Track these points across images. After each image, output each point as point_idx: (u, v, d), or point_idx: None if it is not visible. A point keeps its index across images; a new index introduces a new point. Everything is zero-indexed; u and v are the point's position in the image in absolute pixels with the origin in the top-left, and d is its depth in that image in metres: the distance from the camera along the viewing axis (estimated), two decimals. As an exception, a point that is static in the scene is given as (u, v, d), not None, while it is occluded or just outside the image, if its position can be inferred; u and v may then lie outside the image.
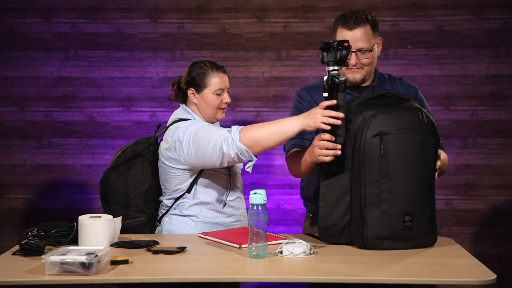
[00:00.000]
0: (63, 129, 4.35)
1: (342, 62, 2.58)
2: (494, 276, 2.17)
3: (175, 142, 2.78)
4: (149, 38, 4.31)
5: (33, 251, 2.39)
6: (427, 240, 2.52)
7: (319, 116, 2.52)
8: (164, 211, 2.91)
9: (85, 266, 2.17)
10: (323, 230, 2.58)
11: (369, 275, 2.21)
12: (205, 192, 2.85)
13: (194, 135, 2.73)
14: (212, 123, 2.92)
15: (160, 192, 2.95)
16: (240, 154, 2.64)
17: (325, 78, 2.59)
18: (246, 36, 4.30)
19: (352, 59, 2.82)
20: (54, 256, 2.19)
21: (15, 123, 4.36)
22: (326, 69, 2.62)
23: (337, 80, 2.56)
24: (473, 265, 2.31)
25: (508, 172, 4.24)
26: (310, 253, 2.41)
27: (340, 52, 2.57)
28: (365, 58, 2.84)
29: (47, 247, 2.47)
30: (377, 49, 2.90)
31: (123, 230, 2.67)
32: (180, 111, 2.93)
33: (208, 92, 2.86)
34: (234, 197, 2.90)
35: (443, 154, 2.87)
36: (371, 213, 2.47)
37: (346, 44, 2.56)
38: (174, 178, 2.84)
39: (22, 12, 4.32)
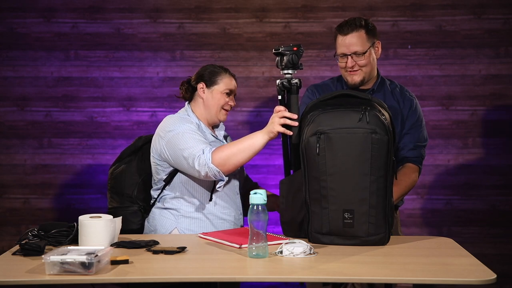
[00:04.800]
0: (63, 129, 4.35)
1: (294, 65, 2.74)
2: (494, 276, 2.17)
3: (157, 135, 2.92)
4: (149, 38, 4.31)
5: (33, 251, 2.39)
6: (371, 238, 2.53)
7: (276, 121, 2.69)
8: (152, 203, 3.00)
9: (85, 266, 2.17)
10: (284, 226, 2.72)
11: (369, 275, 2.21)
12: (186, 186, 2.90)
13: (174, 139, 2.83)
14: (216, 124, 3.03)
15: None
16: (212, 175, 2.74)
17: (278, 81, 2.76)
18: (246, 36, 4.30)
19: (349, 62, 3.00)
20: (54, 256, 2.19)
21: (15, 123, 4.36)
22: (281, 72, 2.77)
23: (287, 83, 2.74)
24: (473, 265, 2.31)
25: (508, 172, 4.24)
26: (310, 253, 2.41)
27: (289, 57, 2.72)
28: (361, 60, 3.00)
29: (47, 247, 2.47)
30: (374, 52, 3.05)
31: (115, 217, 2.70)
32: (181, 110, 3.04)
33: (217, 89, 2.98)
34: (222, 194, 2.91)
35: (410, 177, 3.03)
36: (313, 209, 2.56)
37: (295, 48, 2.72)
38: (156, 168, 2.94)
39: (22, 12, 4.32)
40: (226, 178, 2.79)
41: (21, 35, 4.33)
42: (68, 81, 4.34)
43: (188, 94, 3.03)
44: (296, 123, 2.67)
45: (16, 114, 4.35)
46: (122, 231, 2.71)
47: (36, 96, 4.35)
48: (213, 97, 2.97)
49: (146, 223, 3.00)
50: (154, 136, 2.96)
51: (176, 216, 2.90)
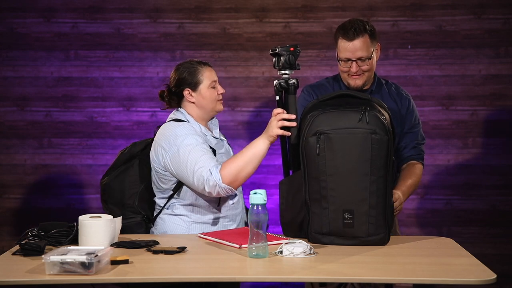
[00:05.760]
0: (63, 129, 4.35)
1: (291, 66, 2.73)
2: (494, 276, 2.17)
3: (160, 146, 2.83)
4: (149, 38, 4.31)
5: (33, 251, 2.39)
6: (371, 239, 2.53)
7: (274, 125, 2.67)
8: (157, 212, 2.93)
9: (85, 266, 2.17)
10: (284, 226, 2.71)
11: (369, 275, 2.21)
12: (196, 193, 2.83)
13: (179, 156, 2.75)
14: (212, 117, 2.99)
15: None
16: (224, 194, 2.73)
17: (276, 82, 2.75)
18: (246, 36, 4.30)
19: (353, 67, 2.98)
20: (54, 256, 2.19)
21: (15, 123, 4.36)
22: (278, 73, 2.76)
23: (285, 84, 2.73)
24: (473, 265, 2.31)
25: (508, 172, 4.23)
26: (310, 253, 2.41)
27: (286, 57, 2.72)
28: (365, 65, 2.99)
29: (47, 247, 2.47)
30: (375, 55, 3.04)
31: None
32: (175, 113, 2.96)
33: (204, 87, 2.91)
34: (228, 198, 2.88)
35: (417, 173, 3.04)
36: (314, 209, 2.56)
37: (292, 49, 2.71)
38: (159, 177, 2.87)
39: (22, 12, 4.32)
40: (237, 193, 2.78)
41: (21, 35, 4.33)
42: (68, 81, 4.34)
43: (174, 102, 2.94)
44: (294, 124, 2.67)
45: (16, 114, 4.35)
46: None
47: (36, 96, 4.35)
48: (204, 96, 2.90)
49: (153, 230, 2.92)
50: (155, 145, 2.86)
51: (188, 222, 2.85)
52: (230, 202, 2.84)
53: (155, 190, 2.92)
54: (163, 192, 2.89)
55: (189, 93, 2.91)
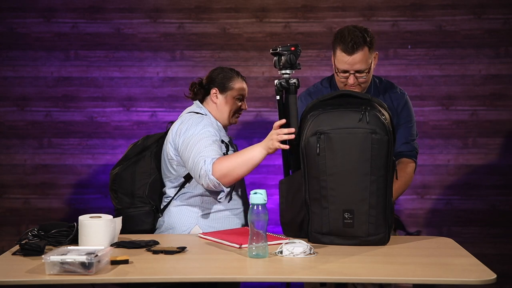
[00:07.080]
0: (63, 129, 4.35)
1: (292, 65, 2.72)
2: (494, 276, 2.17)
3: (175, 133, 2.91)
4: (149, 38, 4.31)
5: (33, 251, 2.39)
6: (371, 238, 2.53)
7: (274, 138, 2.67)
8: (166, 202, 2.98)
9: (85, 266, 2.18)
10: (284, 226, 2.72)
11: (369, 275, 2.21)
12: None
13: (189, 142, 2.83)
14: (225, 126, 3.05)
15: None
16: (213, 186, 2.74)
17: (276, 81, 2.75)
18: (246, 36, 4.30)
19: (351, 79, 2.91)
20: (54, 256, 2.19)
21: (15, 123, 4.36)
22: (279, 72, 2.76)
23: (285, 83, 2.73)
24: (473, 265, 2.31)
25: (508, 172, 4.24)
26: (310, 253, 2.41)
27: (287, 57, 2.71)
28: (362, 78, 2.92)
29: (47, 247, 2.47)
30: (373, 64, 2.97)
31: (126, 219, 2.75)
32: (194, 107, 3.04)
33: (230, 95, 3.00)
34: (238, 191, 2.95)
35: (406, 172, 3.01)
36: (313, 209, 2.56)
37: (293, 48, 2.71)
38: (172, 163, 2.93)
39: (22, 12, 4.32)
40: (226, 190, 2.80)
41: (21, 35, 4.33)
42: (68, 81, 4.34)
43: (199, 96, 3.05)
44: (293, 136, 2.66)
45: (16, 114, 4.35)
46: (133, 232, 2.75)
47: (36, 96, 4.35)
48: (227, 102, 3.00)
49: (161, 221, 2.97)
50: (171, 131, 2.95)
51: (197, 213, 2.91)
52: (218, 197, 2.88)
53: (165, 179, 3.00)
54: (173, 181, 2.95)
55: (216, 93, 3.00)
